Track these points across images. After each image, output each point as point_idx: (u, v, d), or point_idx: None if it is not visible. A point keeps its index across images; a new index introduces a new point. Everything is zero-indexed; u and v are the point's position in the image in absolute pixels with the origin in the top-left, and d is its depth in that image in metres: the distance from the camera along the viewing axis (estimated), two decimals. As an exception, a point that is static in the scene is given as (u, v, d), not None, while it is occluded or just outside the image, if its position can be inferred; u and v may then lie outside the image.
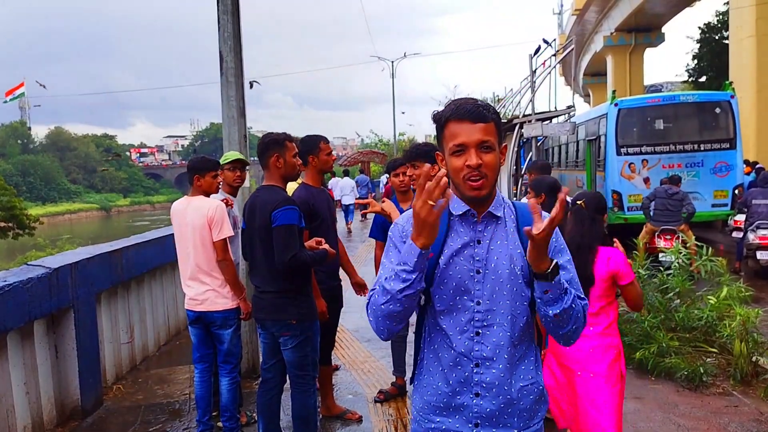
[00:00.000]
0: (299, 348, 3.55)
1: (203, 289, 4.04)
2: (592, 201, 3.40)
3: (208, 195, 4.17)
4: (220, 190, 4.59)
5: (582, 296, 1.80)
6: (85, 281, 4.78)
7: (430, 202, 1.59)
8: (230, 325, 4.09)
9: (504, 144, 1.85)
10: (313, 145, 4.15)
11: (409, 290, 1.69)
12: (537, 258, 1.66)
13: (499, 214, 1.82)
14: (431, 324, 1.87)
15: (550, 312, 1.72)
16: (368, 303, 1.81)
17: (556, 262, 1.68)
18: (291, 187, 5.39)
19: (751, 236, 9.25)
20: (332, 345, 4.56)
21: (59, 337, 4.55)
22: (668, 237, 9.47)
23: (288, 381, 3.73)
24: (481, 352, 1.79)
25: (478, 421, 1.80)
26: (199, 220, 4.02)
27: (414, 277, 1.68)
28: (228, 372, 4.12)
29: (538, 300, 1.73)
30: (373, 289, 1.81)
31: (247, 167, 4.74)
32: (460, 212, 1.82)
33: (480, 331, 1.79)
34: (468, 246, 1.80)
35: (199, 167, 4.15)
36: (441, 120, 1.80)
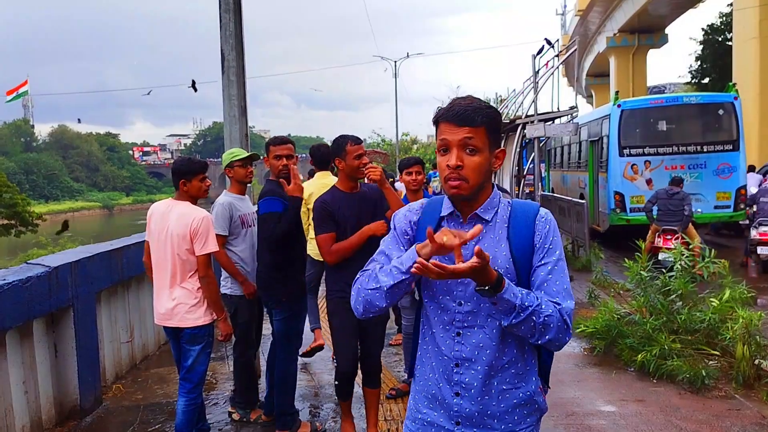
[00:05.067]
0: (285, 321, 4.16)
1: (172, 304, 3.77)
2: None
3: (195, 201, 3.89)
4: (225, 191, 4.54)
5: (557, 301, 1.73)
6: (85, 280, 4.76)
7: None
8: (199, 342, 3.81)
9: (501, 149, 1.83)
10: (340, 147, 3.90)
11: (397, 289, 1.76)
12: (472, 277, 1.61)
13: (486, 217, 1.81)
14: (424, 319, 1.91)
15: (504, 322, 1.70)
16: (356, 280, 1.86)
17: (499, 278, 1.62)
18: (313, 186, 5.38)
19: (753, 232, 9.72)
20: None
21: (58, 336, 4.54)
22: (668, 237, 9.52)
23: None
24: (461, 353, 1.80)
25: (459, 420, 1.83)
26: (181, 230, 3.71)
27: (405, 278, 1.74)
28: (186, 392, 3.83)
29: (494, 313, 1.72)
30: (365, 270, 1.86)
31: (255, 162, 4.63)
32: (447, 212, 1.84)
33: (461, 332, 1.80)
34: None
35: (185, 171, 3.83)
36: (435, 119, 1.81)
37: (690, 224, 9.66)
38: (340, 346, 3.85)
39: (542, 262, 1.78)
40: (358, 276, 1.87)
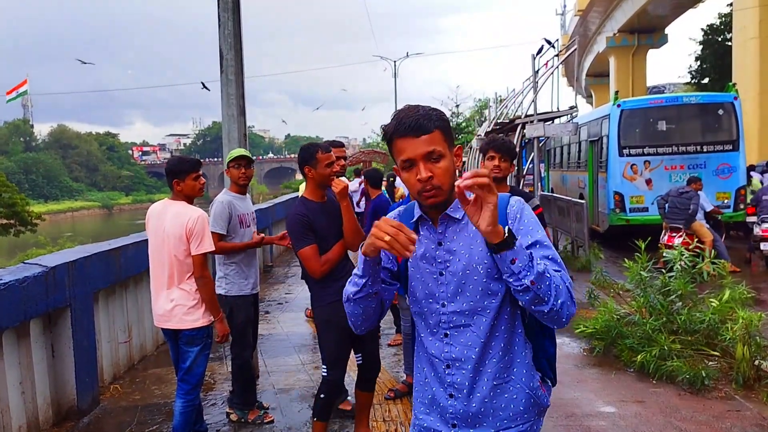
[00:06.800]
0: None
1: (170, 305, 3.73)
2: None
3: (191, 200, 3.85)
4: (225, 190, 4.53)
5: (559, 269, 1.72)
6: (83, 280, 4.74)
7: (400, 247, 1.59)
8: (197, 343, 3.78)
9: (458, 146, 1.85)
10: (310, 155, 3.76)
11: (360, 293, 1.78)
12: (487, 231, 1.56)
13: (457, 216, 1.81)
14: (416, 326, 1.94)
15: (526, 281, 1.61)
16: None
17: (509, 230, 1.60)
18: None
19: (756, 229, 9.90)
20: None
21: (56, 336, 4.52)
22: (673, 235, 9.60)
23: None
24: (451, 354, 1.81)
25: (455, 422, 1.83)
26: (177, 230, 3.67)
27: (363, 281, 1.76)
28: (184, 393, 3.80)
29: (509, 278, 1.64)
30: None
31: (252, 164, 4.60)
32: (418, 216, 1.86)
33: (448, 332, 1.82)
34: (430, 249, 1.83)
35: (177, 170, 3.77)
36: (387, 136, 1.79)
37: (702, 223, 9.72)
38: (333, 352, 3.71)
39: (529, 242, 1.75)
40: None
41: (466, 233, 1.80)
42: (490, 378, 1.80)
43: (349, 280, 1.82)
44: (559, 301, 1.65)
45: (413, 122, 1.73)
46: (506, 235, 1.59)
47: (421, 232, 1.85)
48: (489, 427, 1.80)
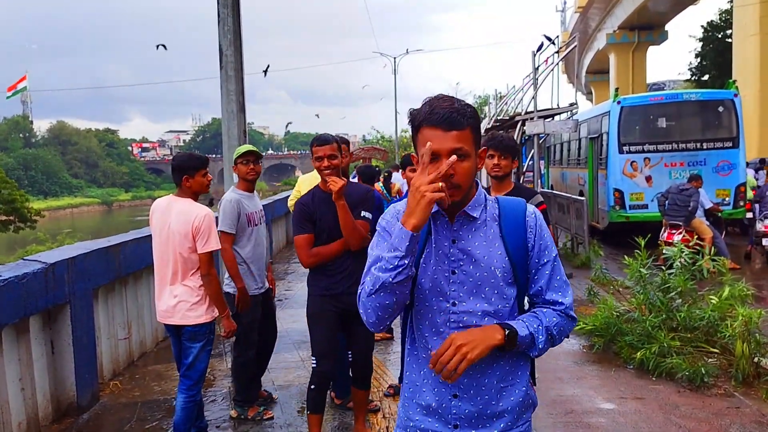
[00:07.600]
0: None
1: (174, 301, 3.75)
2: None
3: (197, 196, 3.85)
4: (233, 188, 4.52)
5: (560, 300, 1.82)
6: (82, 276, 4.74)
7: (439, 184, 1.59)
8: (200, 339, 3.79)
9: (483, 148, 1.80)
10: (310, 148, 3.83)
11: (401, 276, 1.63)
12: (483, 354, 1.69)
13: (475, 215, 1.77)
14: (412, 323, 1.87)
15: (533, 354, 1.81)
16: (359, 296, 1.76)
17: (510, 332, 1.71)
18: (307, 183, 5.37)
19: (758, 225, 9.91)
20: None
21: (55, 332, 4.51)
22: (673, 232, 9.61)
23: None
24: None
25: (457, 423, 1.80)
26: (183, 227, 3.68)
27: (406, 262, 1.62)
28: (186, 389, 3.80)
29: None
30: (362, 283, 1.76)
31: (261, 160, 4.58)
32: (433, 210, 1.75)
33: (456, 332, 1.74)
34: (443, 246, 1.77)
35: (187, 166, 3.77)
36: (415, 123, 1.73)
37: (702, 220, 9.73)
38: (321, 344, 3.72)
39: (544, 260, 1.82)
40: (359, 291, 1.76)
41: (482, 233, 1.77)
42: (499, 381, 1.79)
43: (378, 267, 1.66)
44: (562, 338, 1.85)
45: (447, 115, 1.67)
46: (506, 340, 1.70)
47: (435, 228, 1.79)
48: (492, 428, 1.79)
